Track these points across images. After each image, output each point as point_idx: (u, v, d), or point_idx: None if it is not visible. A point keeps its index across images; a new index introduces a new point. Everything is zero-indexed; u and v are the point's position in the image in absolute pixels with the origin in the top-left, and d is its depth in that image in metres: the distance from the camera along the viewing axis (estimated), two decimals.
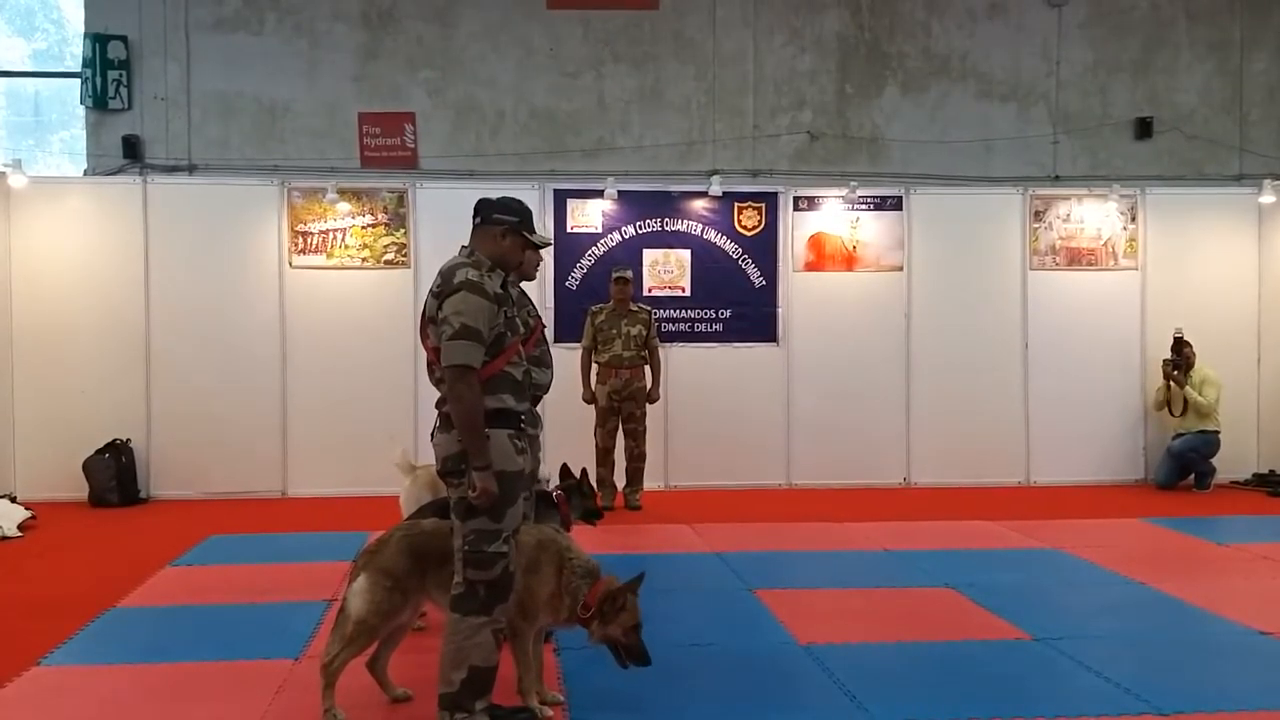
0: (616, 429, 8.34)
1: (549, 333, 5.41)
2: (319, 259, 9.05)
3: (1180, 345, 9.19)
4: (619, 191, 9.22)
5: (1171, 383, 9.22)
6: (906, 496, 9.01)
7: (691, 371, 9.22)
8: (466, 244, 3.77)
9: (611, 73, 9.65)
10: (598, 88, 9.64)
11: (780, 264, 9.40)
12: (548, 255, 8.70)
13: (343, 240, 9.07)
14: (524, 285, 4.70)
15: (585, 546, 4.19)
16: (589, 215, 9.31)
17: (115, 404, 8.73)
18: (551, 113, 9.61)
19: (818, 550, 6.90)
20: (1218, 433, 9.15)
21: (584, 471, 5.43)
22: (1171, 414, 9.25)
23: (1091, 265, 9.62)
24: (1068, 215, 9.61)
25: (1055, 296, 9.53)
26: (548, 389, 4.50)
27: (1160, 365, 9.31)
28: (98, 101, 9.18)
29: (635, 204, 9.31)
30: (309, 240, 9.04)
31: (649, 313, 8.47)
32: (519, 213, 3.79)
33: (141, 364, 8.82)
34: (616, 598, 3.82)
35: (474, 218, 3.79)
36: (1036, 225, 9.58)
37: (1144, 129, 9.95)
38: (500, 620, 3.62)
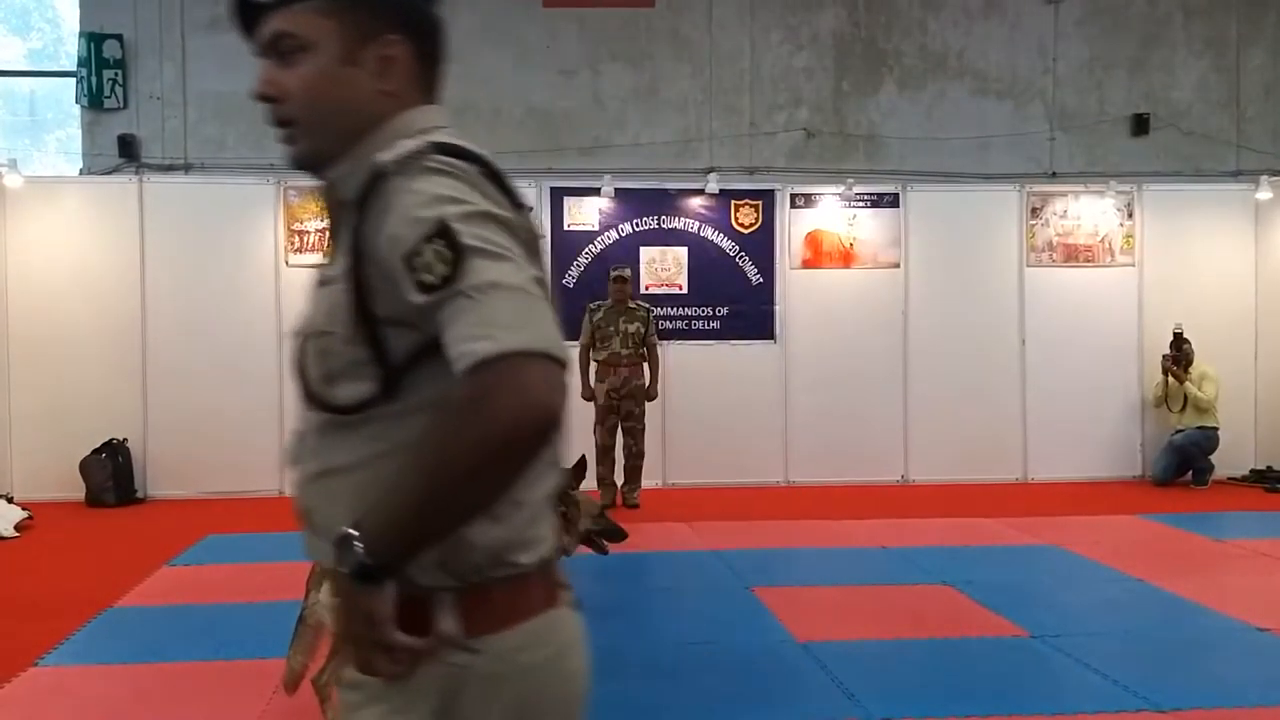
0: (616, 427, 8.33)
1: None
2: (315, 258, 9.04)
3: (1180, 341, 9.20)
4: (615, 189, 9.22)
5: (1171, 378, 9.23)
6: (904, 493, 9.01)
7: (689, 369, 9.22)
8: None
9: (608, 71, 9.64)
10: (594, 86, 9.63)
11: (777, 261, 9.40)
12: (543, 252, 8.68)
13: None
14: None
15: (584, 547, 4.20)
16: (586, 213, 9.30)
17: (112, 403, 8.71)
18: (548, 111, 9.59)
19: (816, 547, 6.90)
20: (1217, 429, 9.16)
21: (582, 459, 5.37)
22: (1170, 410, 9.26)
23: (1088, 262, 9.63)
24: (1064, 212, 9.62)
25: (1052, 293, 9.53)
26: None
27: (1159, 361, 9.32)
28: (93, 101, 9.15)
29: (632, 202, 9.30)
30: (305, 239, 9.04)
31: (647, 310, 8.45)
32: None
33: (138, 363, 8.81)
34: (561, 505, 3.93)
35: None
36: (1033, 222, 9.58)
37: (1140, 125, 9.93)
38: None
